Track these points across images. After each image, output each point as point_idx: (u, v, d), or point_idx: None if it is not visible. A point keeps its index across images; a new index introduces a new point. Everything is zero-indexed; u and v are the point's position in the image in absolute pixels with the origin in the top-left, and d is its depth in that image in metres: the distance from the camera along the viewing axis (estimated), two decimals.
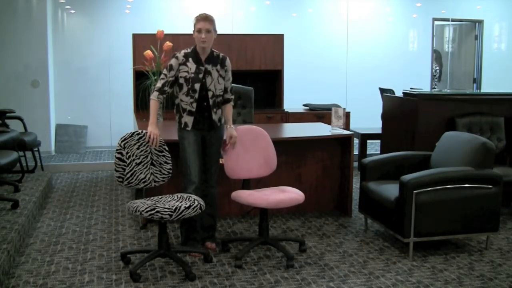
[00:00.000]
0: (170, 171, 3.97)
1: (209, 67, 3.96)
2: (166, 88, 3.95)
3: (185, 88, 3.93)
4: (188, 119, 3.96)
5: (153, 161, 3.90)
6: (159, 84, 3.96)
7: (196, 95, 3.93)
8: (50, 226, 4.74)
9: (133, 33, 6.57)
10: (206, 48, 3.94)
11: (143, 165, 3.84)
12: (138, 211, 3.56)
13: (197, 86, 3.92)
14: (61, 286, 3.50)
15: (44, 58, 7.78)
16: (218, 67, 4.01)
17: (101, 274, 3.69)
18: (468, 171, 4.07)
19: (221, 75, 4.02)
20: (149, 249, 4.05)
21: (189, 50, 3.98)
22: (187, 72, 3.92)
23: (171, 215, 3.52)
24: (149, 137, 3.81)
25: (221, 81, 4.02)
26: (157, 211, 3.51)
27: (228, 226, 4.78)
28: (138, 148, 3.82)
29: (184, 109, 3.97)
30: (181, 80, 3.93)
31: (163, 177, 3.95)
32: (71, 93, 8.29)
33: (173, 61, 3.95)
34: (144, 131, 3.87)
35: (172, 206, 3.54)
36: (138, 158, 3.81)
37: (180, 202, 3.62)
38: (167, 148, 3.96)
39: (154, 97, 3.94)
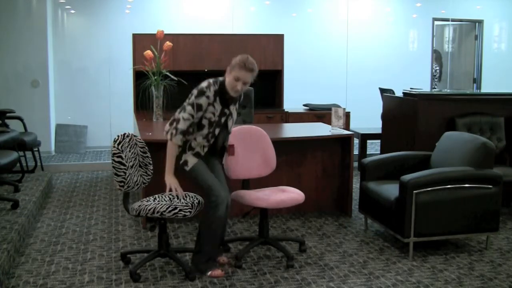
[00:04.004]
0: (152, 172, 3.89)
1: (232, 108, 3.62)
2: (191, 130, 3.53)
3: (205, 131, 3.53)
4: (191, 159, 3.58)
5: (140, 163, 3.81)
6: (183, 125, 3.47)
7: (212, 141, 3.58)
8: (50, 226, 4.74)
9: (133, 33, 6.57)
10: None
11: (134, 168, 3.73)
12: (158, 212, 3.47)
13: (217, 131, 3.57)
14: (61, 286, 3.50)
15: (44, 58, 7.78)
16: (237, 105, 3.71)
17: (101, 274, 3.69)
18: (468, 171, 4.07)
19: (237, 112, 3.75)
20: (149, 249, 4.05)
21: (216, 87, 3.50)
22: (213, 114, 3.50)
23: (191, 212, 3.50)
24: (170, 190, 3.55)
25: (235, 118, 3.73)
26: (180, 210, 3.47)
27: (228, 226, 4.78)
28: (129, 151, 3.68)
29: (192, 148, 3.58)
30: (204, 122, 3.51)
31: (149, 178, 3.88)
32: (71, 93, 8.29)
33: (203, 101, 3.45)
34: (129, 133, 3.74)
35: (187, 203, 3.52)
36: (131, 161, 3.69)
37: (183, 200, 3.59)
38: (147, 149, 3.85)
39: (177, 141, 3.50)
